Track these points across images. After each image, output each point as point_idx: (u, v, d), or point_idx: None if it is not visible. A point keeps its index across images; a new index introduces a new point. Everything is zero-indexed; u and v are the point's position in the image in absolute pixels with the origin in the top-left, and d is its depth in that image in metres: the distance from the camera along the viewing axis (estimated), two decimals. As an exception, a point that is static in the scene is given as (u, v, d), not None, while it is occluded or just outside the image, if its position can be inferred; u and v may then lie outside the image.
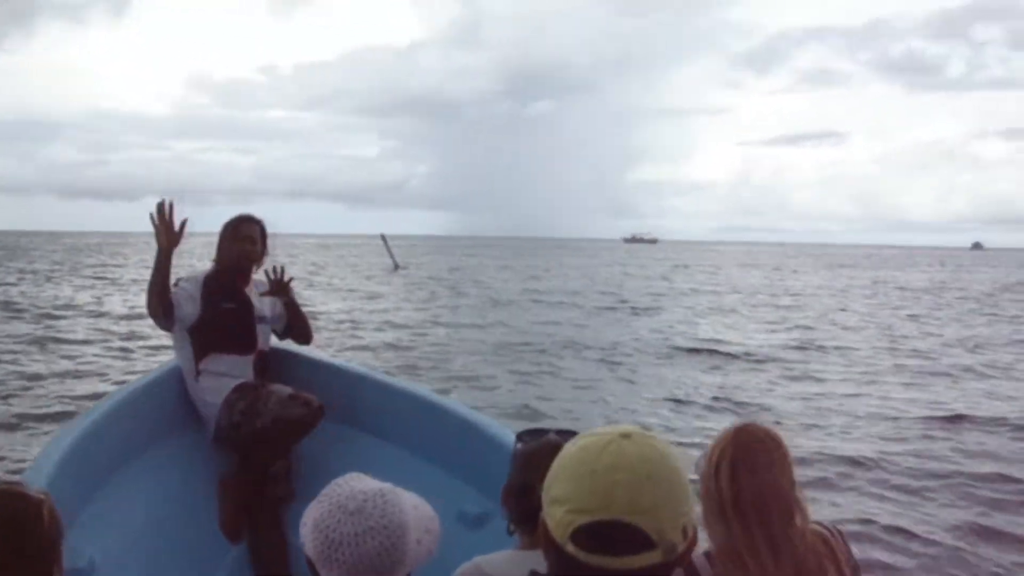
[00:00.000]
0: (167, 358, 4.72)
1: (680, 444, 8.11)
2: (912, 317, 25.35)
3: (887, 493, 7.60)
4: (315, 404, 3.95)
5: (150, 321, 4.19)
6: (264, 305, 4.29)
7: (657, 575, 1.25)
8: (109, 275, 39.17)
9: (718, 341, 18.21)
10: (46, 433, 8.40)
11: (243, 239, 4.19)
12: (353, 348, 16.13)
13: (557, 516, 1.27)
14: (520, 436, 2.10)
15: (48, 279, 35.62)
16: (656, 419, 10.41)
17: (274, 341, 4.43)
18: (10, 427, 9.30)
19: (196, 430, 4.12)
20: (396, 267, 48.53)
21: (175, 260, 3.94)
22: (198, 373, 4.08)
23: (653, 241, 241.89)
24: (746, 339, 18.85)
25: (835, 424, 10.35)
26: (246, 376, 4.11)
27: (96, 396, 9.00)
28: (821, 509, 6.61)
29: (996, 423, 10.38)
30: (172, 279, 4.00)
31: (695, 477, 1.82)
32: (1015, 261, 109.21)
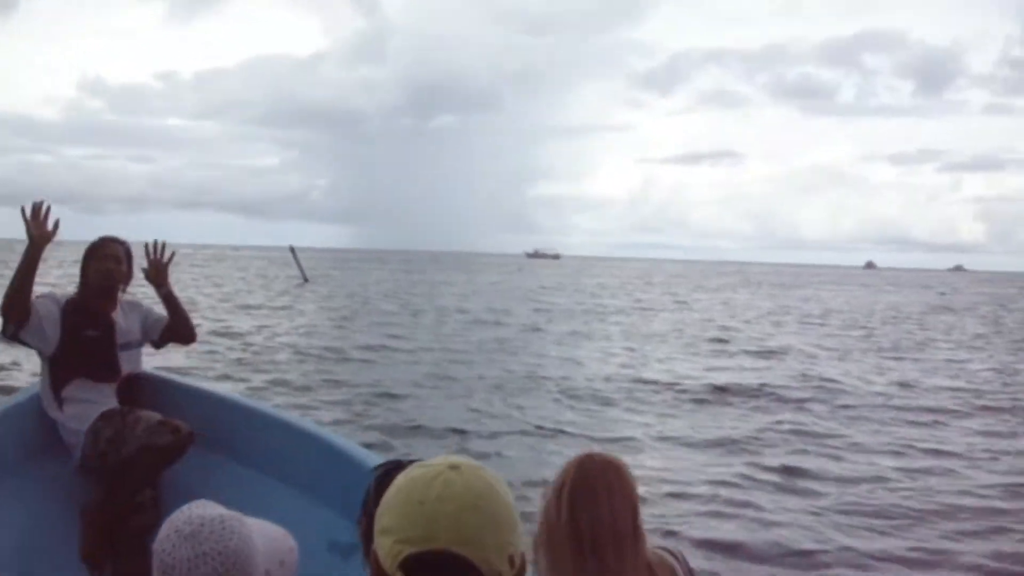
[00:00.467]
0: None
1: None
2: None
3: None
4: (184, 431, 3.84)
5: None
6: (132, 326, 4.18)
7: None
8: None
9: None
10: None
11: (107, 258, 4.08)
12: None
13: (386, 547, 1.28)
14: (376, 469, 1.97)
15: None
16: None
17: (146, 365, 4.38)
18: None
19: (59, 458, 4.00)
20: (305, 280, 47.67)
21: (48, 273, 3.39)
22: (61, 402, 3.99)
23: (556, 256, 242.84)
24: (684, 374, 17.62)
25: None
26: (109, 403, 4.01)
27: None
28: None
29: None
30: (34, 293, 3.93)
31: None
32: (916, 282, 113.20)
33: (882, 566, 6.53)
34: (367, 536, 1.63)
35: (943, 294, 66.88)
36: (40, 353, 4.04)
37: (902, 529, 7.36)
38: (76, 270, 4.10)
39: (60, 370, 3.99)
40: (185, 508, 1.53)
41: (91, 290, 4.07)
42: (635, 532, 1.93)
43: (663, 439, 10.60)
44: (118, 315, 4.12)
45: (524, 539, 1.35)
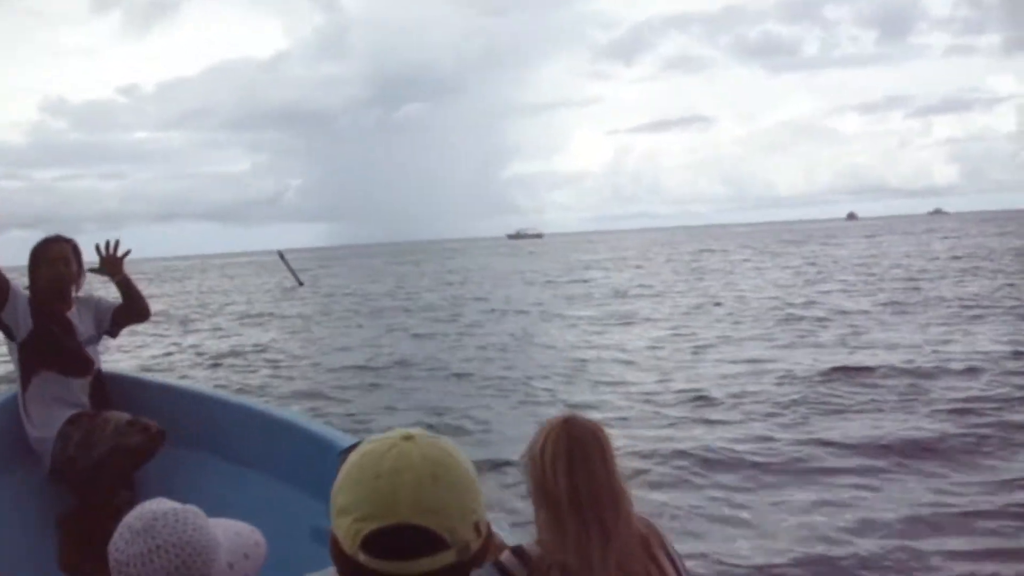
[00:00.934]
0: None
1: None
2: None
3: None
4: (155, 429, 3.82)
5: None
6: (87, 322, 4.12)
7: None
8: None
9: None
10: None
11: (56, 261, 4.00)
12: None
13: (345, 526, 1.24)
14: (344, 452, 1.70)
15: None
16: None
17: (118, 368, 4.61)
18: None
19: (29, 466, 3.89)
20: (300, 284, 45.62)
21: None
22: (29, 405, 3.90)
23: (538, 236, 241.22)
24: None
25: None
26: (82, 402, 3.96)
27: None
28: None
29: None
30: None
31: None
32: (899, 228, 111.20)
33: None
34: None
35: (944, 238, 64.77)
36: (11, 340, 3.95)
37: None
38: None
39: (31, 358, 3.92)
40: (139, 505, 1.48)
41: (43, 294, 4.00)
42: (625, 491, 1.99)
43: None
44: (73, 314, 4.07)
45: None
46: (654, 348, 15.50)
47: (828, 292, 24.70)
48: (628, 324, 19.83)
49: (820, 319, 18.14)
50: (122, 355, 17.31)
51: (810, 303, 21.73)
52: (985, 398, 9.68)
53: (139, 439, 3.76)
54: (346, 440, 3.50)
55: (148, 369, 15.57)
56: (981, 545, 5.64)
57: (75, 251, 4.05)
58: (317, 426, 3.91)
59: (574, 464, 1.92)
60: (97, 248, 4.13)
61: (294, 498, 3.57)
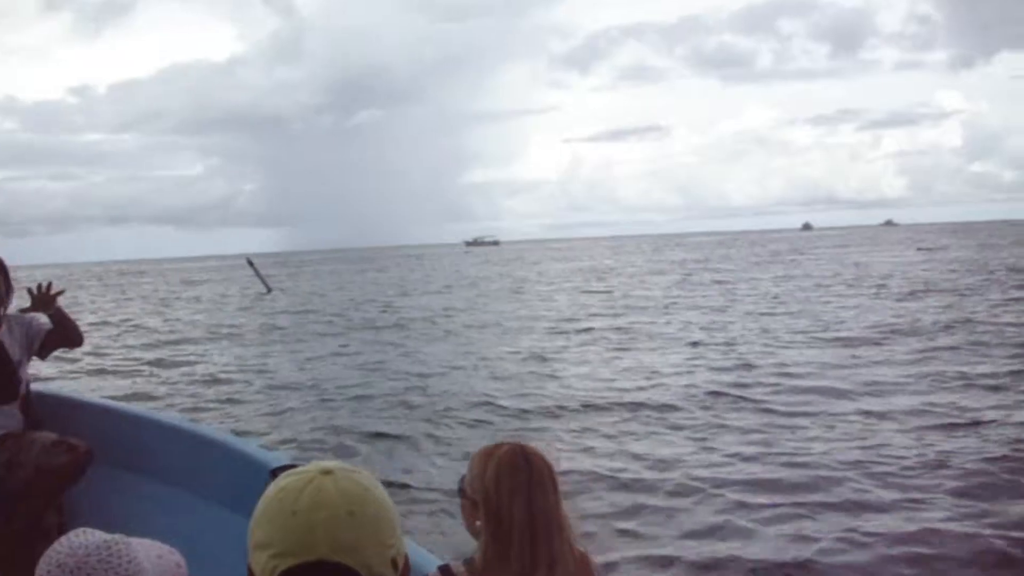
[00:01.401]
0: None
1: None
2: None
3: None
4: (81, 449, 3.71)
5: None
6: (18, 343, 3.97)
7: None
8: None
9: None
10: None
11: None
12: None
13: (262, 561, 1.22)
14: (274, 472, 1.89)
15: None
16: None
17: (47, 387, 4.46)
18: None
19: None
20: (268, 291, 44.44)
21: None
22: None
23: (495, 243, 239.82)
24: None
25: None
26: (14, 426, 3.84)
27: None
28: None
29: None
30: None
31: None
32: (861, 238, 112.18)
33: None
34: None
35: (924, 249, 64.84)
36: None
37: None
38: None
39: None
40: (64, 539, 1.43)
41: None
42: (567, 516, 2.05)
43: None
44: (3, 334, 3.94)
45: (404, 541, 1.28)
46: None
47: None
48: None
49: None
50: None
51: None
52: None
53: (65, 459, 3.69)
54: (277, 459, 3.49)
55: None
56: None
57: (2, 268, 3.90)
58: (247, 445, 3.85)
59: (533, 494, 1.97)
60: (29, 291, 4.00)
61: (223, 517, 3.50)
